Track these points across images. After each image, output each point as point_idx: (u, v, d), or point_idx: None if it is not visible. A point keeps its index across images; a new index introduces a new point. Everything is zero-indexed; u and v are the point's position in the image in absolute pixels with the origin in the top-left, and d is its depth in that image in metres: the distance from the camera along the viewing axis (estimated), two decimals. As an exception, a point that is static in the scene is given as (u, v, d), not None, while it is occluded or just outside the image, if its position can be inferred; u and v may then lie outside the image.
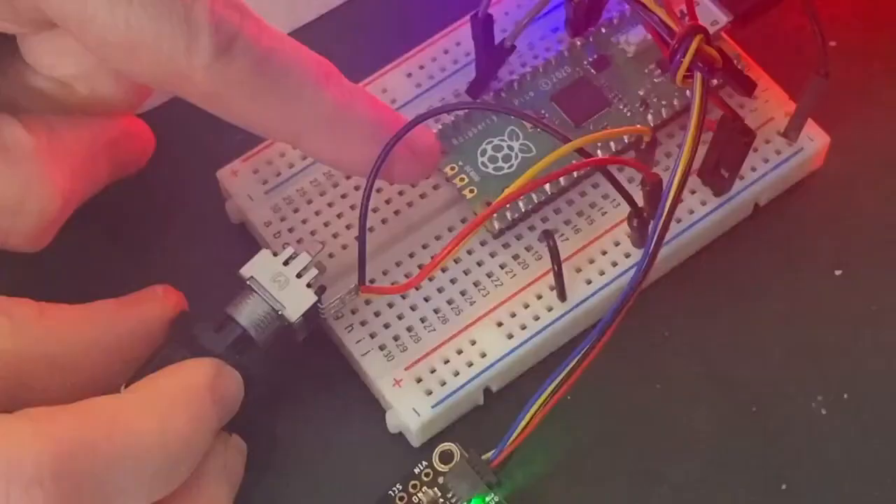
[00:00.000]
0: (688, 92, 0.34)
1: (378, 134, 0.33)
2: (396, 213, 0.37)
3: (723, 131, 0.35)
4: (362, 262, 0.33)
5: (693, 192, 0.37)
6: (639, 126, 0.35)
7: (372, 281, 0.36)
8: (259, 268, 0.32)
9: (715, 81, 0.34)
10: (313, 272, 0.33)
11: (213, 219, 0.37)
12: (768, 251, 0.37)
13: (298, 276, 0.32)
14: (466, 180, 0.36)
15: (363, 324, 0.35)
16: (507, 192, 0.33)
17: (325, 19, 0.40)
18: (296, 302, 0.32)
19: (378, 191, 0.37)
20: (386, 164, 0.33)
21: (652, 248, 0.31)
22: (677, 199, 0.32)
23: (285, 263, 0.33)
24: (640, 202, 0.35)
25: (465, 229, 0.32)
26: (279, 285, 0.32)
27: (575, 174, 0.36)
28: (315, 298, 0.32)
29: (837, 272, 0.37)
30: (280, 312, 0.32)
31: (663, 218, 0.31)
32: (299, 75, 0.32)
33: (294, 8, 0.40)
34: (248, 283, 0.32)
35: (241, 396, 0.32)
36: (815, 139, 0.37)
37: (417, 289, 0.35)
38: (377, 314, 0.35)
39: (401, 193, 0.37)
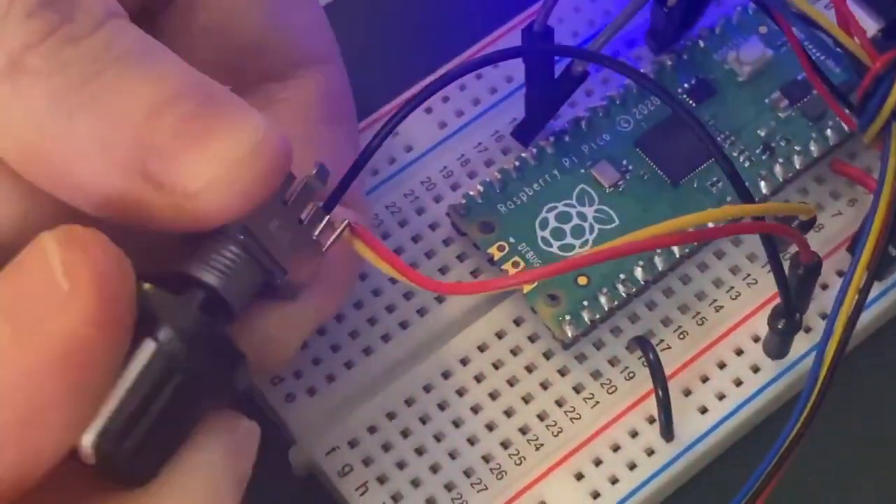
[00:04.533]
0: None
1: None
2: (421, 312, 0.26)
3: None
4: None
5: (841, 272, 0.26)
6: (805, 205, 0.24)
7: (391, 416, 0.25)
8: None
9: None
10: None
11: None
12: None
13: None
14: (522, 265, 0.25)
15: (381, 481, 0.24)
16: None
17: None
18: None
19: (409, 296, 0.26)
20: None
21: (825, 371, 0.21)
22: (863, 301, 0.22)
23: None
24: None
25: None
26: None
27: (676, 253, 0.25)
28: None
29: None
30: None
31: (842, 327, 0.22)
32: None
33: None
34: None
35: None
36: None
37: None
38: (400, 465, 0.24)
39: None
